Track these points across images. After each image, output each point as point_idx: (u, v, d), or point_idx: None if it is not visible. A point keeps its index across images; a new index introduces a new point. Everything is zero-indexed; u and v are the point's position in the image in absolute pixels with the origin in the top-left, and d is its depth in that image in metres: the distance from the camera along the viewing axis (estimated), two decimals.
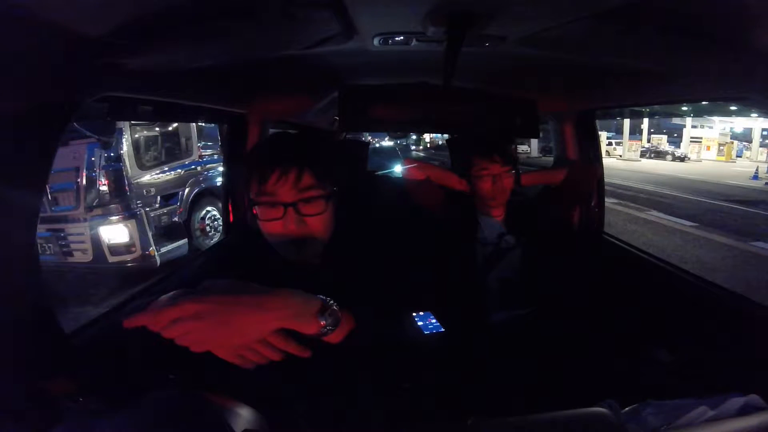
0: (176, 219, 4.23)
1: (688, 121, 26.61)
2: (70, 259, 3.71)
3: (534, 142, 21.16)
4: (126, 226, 3.69)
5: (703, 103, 1.26)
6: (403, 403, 0.83)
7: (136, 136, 3.88)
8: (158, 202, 4.06)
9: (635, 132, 28.10)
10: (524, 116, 1.26)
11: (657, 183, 12.60)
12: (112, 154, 3.67)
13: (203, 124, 4.69)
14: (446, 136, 1.98)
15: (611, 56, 1.01)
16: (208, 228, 4.62)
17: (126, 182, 3.73)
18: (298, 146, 0.78)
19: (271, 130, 1.74)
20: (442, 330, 1.16)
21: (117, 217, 3.67)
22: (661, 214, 7.64)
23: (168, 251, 4.00)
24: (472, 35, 0.83)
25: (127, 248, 3.70)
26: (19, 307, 0.65)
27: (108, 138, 3.60)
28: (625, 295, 1.42)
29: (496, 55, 1.04)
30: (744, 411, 0.57)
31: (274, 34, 0.85)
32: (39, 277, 0.70)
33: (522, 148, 21.73)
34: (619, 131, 26.84)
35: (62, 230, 3.66)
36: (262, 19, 0.73)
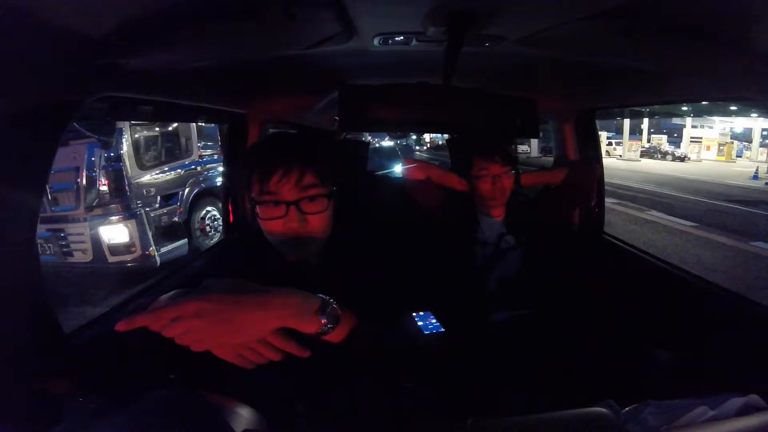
0: (176, 219, 4.22)
1: (688, 121, 26.60)
2: (70, 259, 3.72)
3: (534, 142, 21.15)
4: (126, 226, 3.68)
5: (703, 103, 1.26)
6: (403, 403, 0.83)
7: (136, 136, 3.88)
8: (158, 202, 4.06)
9: (635, 132, 28.10)
10: (524, 116, 1.26)
11: (657, 183, 12.60)
12: (112, 154, 3.67)
13: (203, 124, 4.69)
14: (446, 136, 1.98)
15: (611, 56, 1.01)
16: (208, 228, 4.62)
17: (126, 182, 3.73)
18: (299, 146, 0.79)
19: (271, 130, 1.74)
20: (442, 330, 1.16)
21: (117, 217, 3.67)
22: (661, 214, 7.64)
23: (168, 251, 3.99)
24: (472, 35, 0.84)
25: (127, 248, 3.70)
26: (19, 307, 0.65)
27: (108, 138, 3.60)
28: (625, 295, 1.41)
29: (496, 55, 1.04)
30: (744, 411, 0.57)
31: (275, 34, 0.85)
32: (39, 277, 0.70)
33: (522, 148, 21.71)
34: (619, 131, 26.82)
35: (62, 230, 3.66)
36: (262, 19, 0.73)
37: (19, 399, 0.61)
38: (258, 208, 0.76)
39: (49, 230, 3.63)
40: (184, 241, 4.22)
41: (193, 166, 4.51)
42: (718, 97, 1.08)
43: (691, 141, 26.97)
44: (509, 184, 1.41)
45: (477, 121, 1.25)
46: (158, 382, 0.61)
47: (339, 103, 1.22)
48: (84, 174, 3.58)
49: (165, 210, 4.12)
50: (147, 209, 3.88)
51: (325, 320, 0.60)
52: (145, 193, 3.92)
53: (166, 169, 4.21)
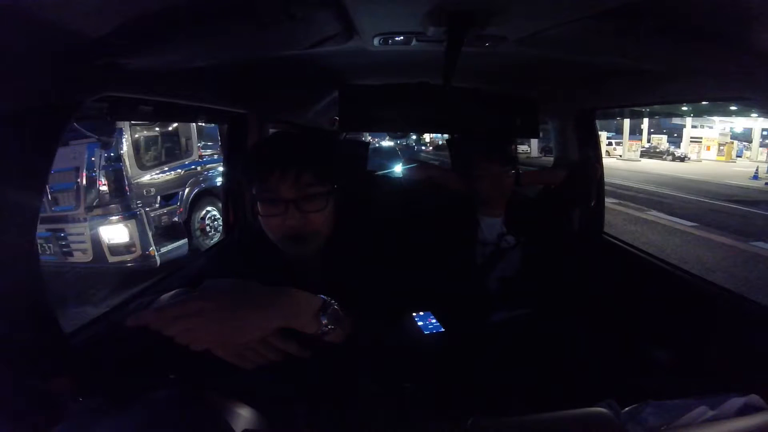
0: (176, 219, 4.23)
1: (688, 121, 26.59)
2: (70, 259, 3.71)
3: (534, 142, 21.14)
4: (126, 226, 3.68)
5: (703, 103, 1.26)
6: (403, 403, 0.83)
7: (136, 136, 3.88)
8: (158, 202, 4.06)
9: (635, 132, 28.09)
10: (524, 116, 1.26)
11: (657, 183, 12.59)
12: (112, 154, 3.67)
13: (203, 124, 4.69)
14: (446, 136, 1.98)
15: (611, 56, 1.01)
16: (208, 228, 4.62)
17: (126, 182, 3.73)
18: (298, 145, 0.79)
19: (271, 130, 1.74)
20: (442, 330, 1.16)
21: (117, 217, 3.67)
22: (660, 214, 7.63)
23: (168, 251, 3.99)
24: (472, 35, 0.84)
25: (127, 248, 3.70)
26: (19, 307, 0.65)
27: (108, 138, 3.60)
28: (624, 295, 1.41)
29: (496, 55, 1.04)
30: (744, 411, 0.57)
31: (275, 34, 0.84)
32: (39, 277, 0.70)
33: (522, 148, 21.71)
34: (619, 131, 26.80)
35: (62, 230, 3.66)
36: (262, 19, 0.73)
37: (19, 399, 0.61)
38: (258, 206, 0.77)
39: (49, 230, 3.63)
40: (184, 241, 4.21)
41: (193, 166, 4.51)
42: (718, 97, 1.08)
43: (691, 141, 26.96)
44: (509, 184, 1.41)
45: (477, 121, 1.25)
46: (158, 382, 0.61)
47: (339, 103, 1.23)
48: (84, 174, 3.57)
49: (165, 210, 4.12)
50: (147, 209, 3.88)
51: (326, 321, 0.60)
52: (145, 193, 3.92)
53: (166, 169, 4.20)
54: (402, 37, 0.94)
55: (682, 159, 23.94)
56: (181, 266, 1.81)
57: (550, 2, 0.70)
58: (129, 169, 3.76)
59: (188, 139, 4.51)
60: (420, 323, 1.19)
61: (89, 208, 3.61)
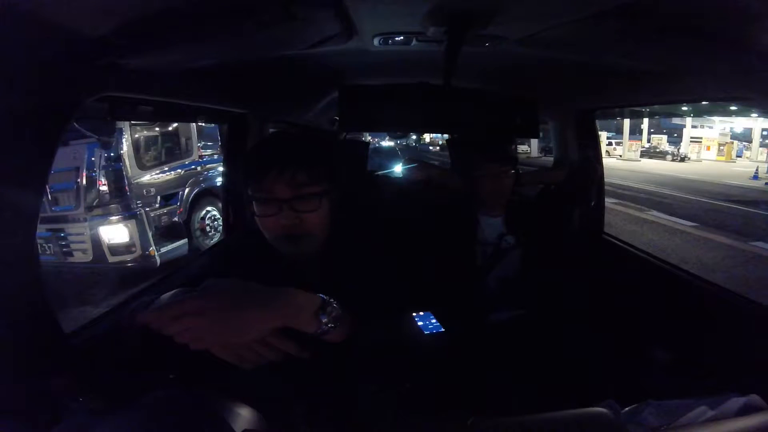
0: (176, 219, 4.22)
1: (688, 121, 26.57)
2: (70, 259, 3.71)
3: (534, 142, 21.13)
4: (126, 226, 3.68)
5: (703, 103, 1.26)
6: (403, 403, 0.83)
7: (136, 136, 3.88)
8: (158, 202, 4.06)
9: (635, 132, 28.08)
10: (524, 116, 1.26)
11: (657, 183, 12.59)
12: (112, 154, 3.67)
13: (203, 124, 4.69)
14: (446, 136, 1.98)
15: (611, 56, 1.01)
16: (208, 228, 4.62)
17: (126, 182, 3.73)
18: (293, 145, 0.80)
19: (271, 130, 1.74)
20: (442, 330, 1.16)
21: (117, 217, 3.67)
22: (661, 214, 7.64)
23: (168, 251, 3.99)
24: (472, 35, 0.84)
25: (127, 248, 3.70)
26: (19, 307, 0.65)
27: (108, 138, 3.60)
28: (625, 295, 1.41)
29: (496, 55, 1.04)
30: (744, 411, 0.57)
31: (274, 34, 0.84)
32: (39, 277, 0.70)
33: (522, 148, 21.71)
34: (619, 131, 26.79)
35: (62, 230, 3.66)
36: (262, 19, 0.73)
37: (19, 399, 0.61)
38: (254, 206, 0.77)
39: (49, 230, 3.63)
40: (184, 241, 4.22)
41: (193, 166, 4.51)
42: (718, 97, 1.07)
43: (691, 141, 26.94)
44: (509, 184, 1.41)
45: (477, 121, 1.25)
46: (158, 382, 0.61)
47: (339, 103, 1.23)
48: (84, 174, 3.58)
49: (165, 210, 4.12)
50: (147, 209, 3.88)
51: (326, 320, 0.60)
52: (145, 193, 3.92)
53: (166, 169, 4.20)
54: (402, 37, 0.94)
55: (682, 159, 23.93)
56: (181, 266, 1.81)
57: (550, 2, 0.70)
58: (129, 169, 3.76)
59: (188, 139, 4.51)
60: (420, 323, 1.19)
61: (89, 208, 3.61)
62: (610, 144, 25.49)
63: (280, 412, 0.70)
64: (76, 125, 3.18)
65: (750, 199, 10.13)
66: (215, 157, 4.77)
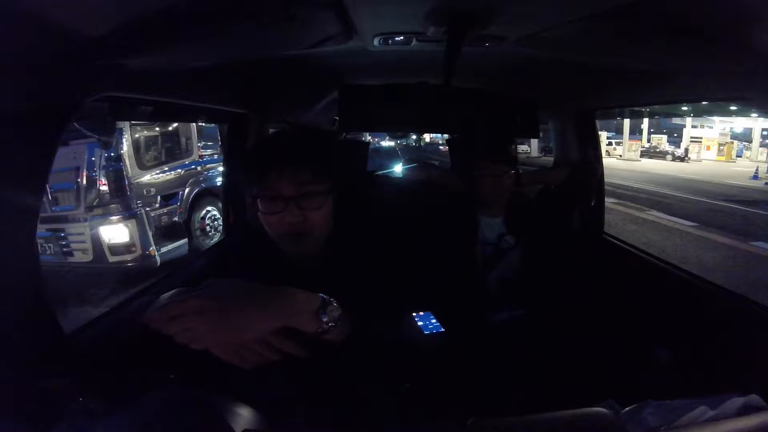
0: (176, 219, 4.23)
1: (688, 121, 26.55)
2: (71, 259, 3.71)
3: (534, 142, 21.11)
4: (126, 225, 3.69)
5: (703, 103, 1.26)
6: (403, 403, 0.83)
7: (137, 136, 3.88)
8: (158, 201, 4.06)
9: (635, 132, 28.04)
10: (524, 116, 1.26)
11: (657, 183, 12.58)
12: (112, 154, 3.67)
13: (203, 124, 4.70)
14: (446, 136, 1.98)
15: (611, 56, 1.01)
16: (208, 228, 4.62)
17: (126, 182, 3.74)
18: (297, 144, 0.80)
19: (271, 131, 1.74)
20: (442, 330, 1.16)
21: (117, 216, 3.68)
22: (660, 214, 7.63)
23: (168, 251, 4.00)
24: (472, 35, 0.84)
25: (127, 248, 3.71)
26: (19, 307, 0.65)
27: (108, 138, 3.60)
28: (625, 295, 1.41)
29: (496, 55, 1.04)
30: (744, 411, 0.57)
31: (275, 34, 0.85)
32: (39, 277, 0.70)
33: (522, 148, 21.68)
34: (619, 131, 26.77)
35: (62, 230, 3.66)
36: (262, 19, 0.73)
37: (19, 399, 0.61)
38: (258, 204, 0.77)
39: (49, 230, 3.63)
40: (185, 240, 4.22)
41: (193, 166, 4.51)
42: (718, 97, 1.08)
43: (691, 141, 26.91)
44: (509, 184, 1.41)
45: (477, 121, 1.25)
46: (158, 382, 0.61)
47: (339, 103, 1.23)
48: (84, 174, 3.58)
49: (165, 210, 4.12)
50: (147, 209, 3.88)
51: (326, 319, 0.60)
52: (145, 193, 3.92)
53: (167, 169, 4.21)
54: (402, 37, 0.94)
55: (682, 159, 23.92)
56: (181, 266, 1.81)
57: (550, 2, 0.70)
58: (129, 169, 3.77)
59: (188, 139, 4.52)
60: (420, 323, 1.19)
61: (89, 208, 3.62)
62: (610, 144, 25.46)
63: (280, 412, 0.70)
64: (77, 125, 3.18)
65: (750, 199, 10.12)
66: (215, 157, 4.77)
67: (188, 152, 4.50)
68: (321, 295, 0.62)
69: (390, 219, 1.08)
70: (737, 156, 25.92)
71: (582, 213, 1.75)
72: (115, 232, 3.67)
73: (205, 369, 0.60)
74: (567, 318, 1.33)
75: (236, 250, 0.95)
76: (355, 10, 0.76)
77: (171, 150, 4.31)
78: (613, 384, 0.81)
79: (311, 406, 0.75)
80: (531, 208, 1.54)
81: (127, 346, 0.65)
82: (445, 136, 2.11)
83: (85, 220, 3.62)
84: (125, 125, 3.72)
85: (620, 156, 24.52)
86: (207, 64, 1.02)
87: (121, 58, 0.73)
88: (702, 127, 28.01)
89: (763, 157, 22.77)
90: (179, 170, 4.35)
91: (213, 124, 4.37)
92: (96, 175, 3.60)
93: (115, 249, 3.68)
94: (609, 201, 4.14)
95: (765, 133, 26.39)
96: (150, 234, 3.83)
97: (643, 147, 26.21)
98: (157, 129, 4.14)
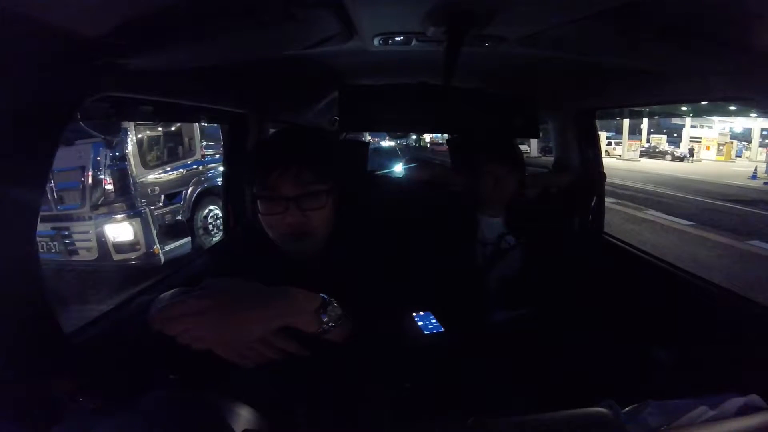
0: (180, 217, 4.26)
1: (688, 121, 26.54)
2: (75, 257, 3.74)
3: (534, 142, 21.09)
4: (131, 224, 3.72)
5: (703, 103, 1.26)
6: (403, 403, 0.83)
7: (141, 136, 3.90)
8: (162, 200, 4.09)
9: (635, 132, 28.02)
10: (524, 116, 1.26)
11: (656, 183, 12.57)
12: (117, 154, 3.70)
13: (206, 124, 4.72)
14: (446, 136, 1.98)
15: (611, 56, 1.01)
16: (210, 226, 4.64)
17: (131, 181, 3.77)
18: (298, 144, 0.80)
19: (271, 130, 1.74)
20: (442, 330, 1.16)
21: (122, 215, 3.70)
22: (659, 214, 7.63)
23: (171, 249, 4.03)
24: (472, 35, 0.83)
25: (131, 246, 3.74)
26: (19, 307, 0.65)
27: (113, 137, 3.63)
28: (625, 295, 1.41)
29: (496, 55, 1.04)
30: (744, 411, 0.57)
31: (275, 34, 0.84)
32: (39, 277, 0.70)
33: (522, 148, 21.64)
34: (619, 131, 26.76)
35: (67, 228, 3.68)
36: (262, 19, 0.73)
37: (19, 399, 0.61)
38: (259, 204, 0.77)
39: (54, 228, 3.65)
40: (188, 239, 4.25)
41: (196, 166, 4.54)
42: (718, 97, 1.08)
43: (690, 141, 26.90)
44: (510, 185, 1.41)
45: (477, 121, 1.25)
46: (158, 382, 0.62)
47: (339, 103, 1.23)
48: (89, 173, 3.60)
49: (169, 209, 4.14)
50: (151, 208, 3.91)
51: (326, 319, 0.60)
52: (149, 192, 3.95)
53: (170, 168, 4.23)
54: (402, 37, 0.94)
55: (681, 159, 23.91)
56: (182, 265, 1.81)
57: (550, 2, 0.70)
58: (134, 168, 3.79)
59: (191, 138, 4.54)
60: (420, 323, 1.19)
61: (94, 207, 3.65)
62: (609, 144, 25.44)
63: (280, 412, 0.70)
64: (82, 124, 3.20)
65: (748, 198, 10.11)
66: (217, 156, 4.79)
67: (191, 152, 4.52)
68: (321, 295, 0.62)
69: (390, 218, 1.08)
70: (737, 156, 25.90)
71: (582, 213, 1.75)
72: (120, 231, 3.70)
73: (206, 369, 0.60)
74: (567, 318, 1.33)
75: (236, 250, 0.95)
76: (354, 10, 0.76)
77: (174, 150, 4.33)
78: (613, 384, 0.81)
79: (311, 406, 0.75)
80: (531, 208, 1.53)
81: (127, 346, 0.65)
82: (446, 136, 2.10)
83: (90, 218, 3.65)
84: (130, 125, 3.75)
85: (620, 156, 24.50)
86: (207, 64, 1.02)
87: (121, 58, 0.73)
88: (701, 127, 27.99)
89: (762, 157, 22.73)
90: (182, 170, 4.38)
91: (214, 125, 4.39)
92: (101, 175, 3.63)
93: (120, 247, 3.71)
94: (608, 201, 4.14)
95: (765, 133, 26.38)
96: (154, 232, 3.85)
97: (643, 147, 26.18)
98: (161, 129, 4.16)
